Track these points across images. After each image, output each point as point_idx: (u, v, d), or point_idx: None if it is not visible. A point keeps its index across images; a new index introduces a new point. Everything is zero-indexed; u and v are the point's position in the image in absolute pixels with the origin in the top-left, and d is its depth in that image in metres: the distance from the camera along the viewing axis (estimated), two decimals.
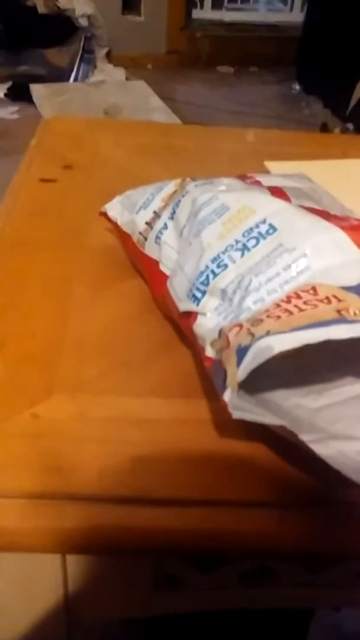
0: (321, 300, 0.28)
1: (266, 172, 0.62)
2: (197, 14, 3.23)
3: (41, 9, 2.48)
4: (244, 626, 0.71)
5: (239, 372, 0.27)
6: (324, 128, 2.45)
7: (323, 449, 0.29)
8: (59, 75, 2.50)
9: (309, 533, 0.32)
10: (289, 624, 0.73)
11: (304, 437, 0.29)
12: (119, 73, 2.70)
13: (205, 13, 3.25)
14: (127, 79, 2.68)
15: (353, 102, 2.26)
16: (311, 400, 0.35)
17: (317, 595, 0.40)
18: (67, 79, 2.53)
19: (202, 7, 3.24)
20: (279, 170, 0.61)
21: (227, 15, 3.28)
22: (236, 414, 0.27)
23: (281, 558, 0.36)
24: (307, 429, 0.31)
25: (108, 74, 2.65)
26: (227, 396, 0.27)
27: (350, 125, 2.36)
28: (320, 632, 0.73)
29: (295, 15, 3.27)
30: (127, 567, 0.38)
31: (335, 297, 0.28)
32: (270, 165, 0.64)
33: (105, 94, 2.28)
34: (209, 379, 0.32)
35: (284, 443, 0.32)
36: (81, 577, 0.37)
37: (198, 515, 0.31)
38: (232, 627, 0.71)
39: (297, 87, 2.99)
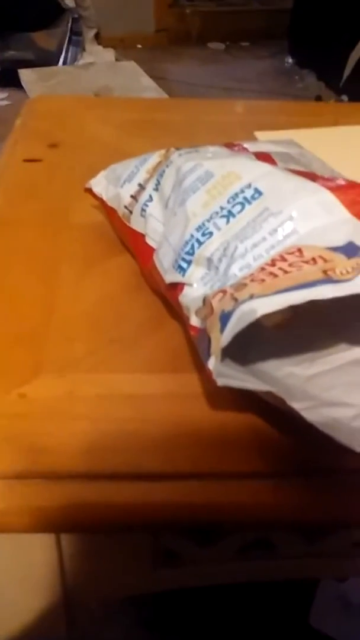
0: (307, 262, 0.27)
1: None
2: None
3: None
4: (248, 600, 0.72)
5: (222, 338, 0.26)
6: (319, 100, 2.42)
7: (315, 416, 0.29)
8: (47, 59, 2.47)
9: (305, 502, 0.31)
10: (293, 596, 0.73)
11: (296, 405, 0.28)
12: (109, 54, 2.66)
13: None
14: (116, 59, 2.64)
15: (347, 73, 2.23)
16: (304, 369, 0.34)
17: (316, 566, 0.40)
18: (56, 63, 2.50)
19: None
20: (269, 139, 0.60)
21: None
22: (221, 381, 0.26)
23: (278, 528, 0.36)
24: (300, 397, 0.30)
25: (97, 55, 2.61)
26: (211, 364, 0.27)
27: (344, 97, 2.33)
28: (324, 603, 0.73)
29: None
30: (125, 544, 0.37)
31: (321, 257, 0.27)
32: (260, 135, 0.63)
33: (95, 76, 2.25)
34: (198, 352, 0.31)
35: (276, 413, 0.31)
36: (77, 557, 0.37)
37: (192, 488, 0.31)
38: (236, 602, 0.72)
39: (290, 60, 2.95)
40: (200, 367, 0.35)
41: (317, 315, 0.35)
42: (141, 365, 0.37)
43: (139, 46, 3.00)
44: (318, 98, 2.46)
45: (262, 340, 0.33)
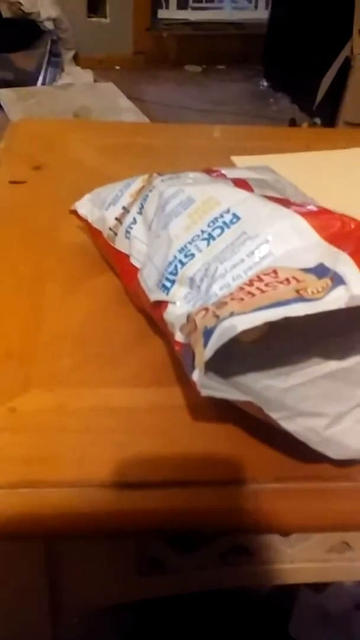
0: (281, 282, 0.29)
1: (233, 166, 0.64)
2: (162, 13, 3.24)
3: (5, 13, 2.46)
4: (229, 609, 0.73)
5: (205, 352, 0.28)
6: (292, 123, 2.48)
7: (291, 425, 0.31)
8: (26, 79, 2.49)
9: (283, 508, 0.33)
10: (273, 607, 0.74)
11: (274, 415, 0.30)
12: (87, 75, 2.69)
13: (170, 13, 3.26)
14: (95, 80, 2.68)
15: (319, 97, 2.29)
16: (280, 382, 0.36)
17: (292, 571, 0.42)
18: (35, 83, 2.52)
19: (167, 6, 3.25)
20: (245, 165, 0.63)
21: (192, 15, 3.30)
22: (204, 392, 0.28)
23: (257, 533, 0.38)
24: (276, 408, 0.32)
25: (76, 76, 2.64)
26: (196, 376, 0.29)
27: (317, 120, 2.39)
28: (303, 612, 0.75)
29: (260, 13, 3.30)
30: (110, 552, 0.39)
31: (294, 278, 0.29)
32: (236, 159, 0.66)
33: (74, 97, 2.28)
34: (181, 367, 0.33)
35: (255, 424, 0.33)
36: (64, 565, 0.38)
37: (176, 496, 0.33)
38: (216, 610, 0.73)
39: (265, 83, 3.02)
40: (183, 380, 0.37)
41: (291, 332, 0.37)
42: (127, 379, 0.39)
43: (117, 67, 3.05)
44: (292, 121, 2.52)
45: (241, 355, 0.35)
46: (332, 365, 0.38)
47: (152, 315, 0.38)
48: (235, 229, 0.34)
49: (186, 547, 0.39)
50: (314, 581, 0.44)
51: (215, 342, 0.28)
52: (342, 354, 0.38)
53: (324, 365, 0.38)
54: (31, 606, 0.41)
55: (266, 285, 0.29)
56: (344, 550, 0.41)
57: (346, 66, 2.15)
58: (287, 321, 0.29)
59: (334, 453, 0.31)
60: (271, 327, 0.32)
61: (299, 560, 0.41)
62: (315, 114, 2.42)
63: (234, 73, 3.15)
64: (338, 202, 0.39)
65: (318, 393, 0.36)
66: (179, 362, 0.35)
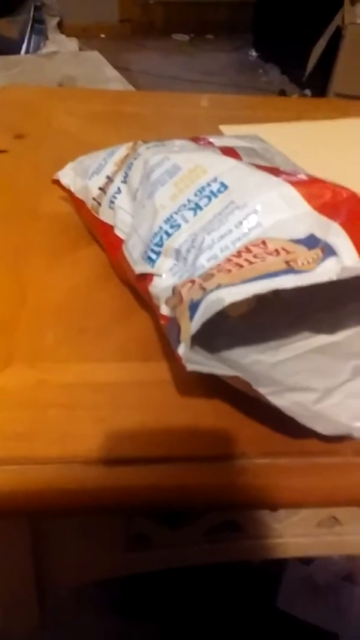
0: (270, 253, 0.28)
1: (220, 135, 0.62)
2: None
3: None
4: (217, 584, 0.73)
5: (191, 326, 0.27)
6: (282, 94, 2.44)
7: (280, 401, 0.30)
8: (9, 47, 2.42)
9: (271, 483, 0.33)
10: (261, 579, 0.75)
11: (262, 390, 0.30)
12: (72, 43, 2.63)
13: None
14: (80, 49, 2.61)
15: (309, 68, 2.26)
16: (269, 356, 0.36)
17: (281, 546, 0.42)
18: (19, 51, 2.45)
19: None
20: (234, 134, 0.61)
21: None
22: (190, 367, 0.28)
23: (246, 508, 0.37)
24: (265, 383, 0.32)
25: (60, 44, 2.57)
26: (181, 350, 0.28)
27: (307, 92, 2.36)
28: (291, 584, 0.76)
29: None
30: (97, 529, 0.38)
31: (284, 249, 0.28)
32: (224, 129, 0.64)
33: (59, 65, 2.22)
34: (167, 341, 0.32)
35: (242, 399, 0.33)
36: (50, 542, 0.38)
37: (163, 472, 0.32)
38: (205, 582, 0.74)
39: (254, 54, 2.96)
40: (169, 355, 0.36)
41: (280, 305, 0.36)
42: (112, 354, 0.38)
43: (103, 36, 2.97)
44: (282, 92, 2.48)
45: (228, 329, 0.35)
46: (321, 339, 0.38)
47: (137, 288, 0.37)
48: (222, 198, 0.33)
49: (174, 523, 0.39)
50: (302, 555, 0.44)
51: (201, 315, 0.27)
52: (331, 328, 0.38)
53: (312, 339, 0.37)
54: (17, 582, 0.40)
55: (255, 256, 0.28)
56: (333, 525, 0.41)
57: (337, 36, 2.11)
58: (276, 294, 0.28)
59: (323, 428, 0.31)
60: (259, 301, 0.31)
61: (287, 535, 0.41)
62: (305, 85, 2.38)
63: (222, 42, 3.09)
64: (328, 172, 0.37)
65: (307, 368, 0.35)
66: (164, 336, 0.34)
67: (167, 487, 0.32)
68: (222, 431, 0.34)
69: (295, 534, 0.41)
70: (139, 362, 0.37)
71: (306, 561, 0.80)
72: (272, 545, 0.43)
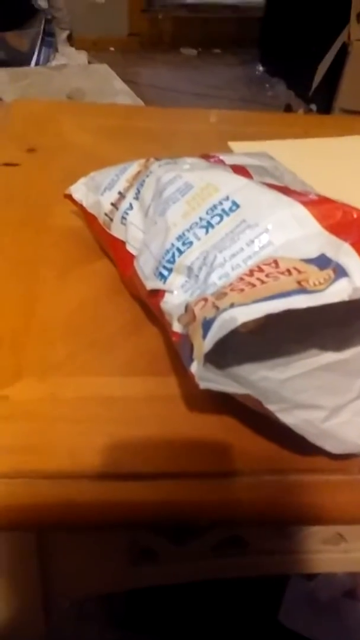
0: (282, 273, 0.28)
1: (230, 152, 0.63)
2: None
3: None
4: (219, 598, 0.73)
5: (204, 344, 0.27)
6: (288, 109, 2.46)
7: (289, 418, 0.30)
8: (20, 60, 2.45)
9: (278, 500, 0.33)
10: (263, 594, 0.75)
11: (271, 407, 0.30)
12: (81, 56, 2.65)
13: None
14: (89, 62, 2.64)
15: (316, 83, 2.27)
16: (277, 373, 0.36)
17: (287, 562, 0.42)
18: (29, 63, 2.48)
19: None
20: (243, 150, 0.62)
21: None
22: (203, 385, 0.28)
23: (252, 525, 0.37)
24: (273, 400, 0.32)
25: (70, 57, 2.60)
26: (194, 368, 0.28)
27: (313, 106, 2.37)
28: (293, 600, 0.75)
29: None
30: (103, 543, 0.38)
31: (295, 269, 0.29)
32: (233, 145, 0.65)
33: (68, 78, 2.24)
34: (177, 356, 0.33)
35: (250, 415, 0.33)
36: (57, 556, 0.38)
37: (171, 487, 0.32)
38: (207, 597, 0.73)
39: (261, 68, 2.99)
40: (178, 370, 0.36)
41: (288, 322, 0.36)
42: (121, 368, 0.38)
43: (112, 49, 3.00)
44: (288, 106, 2.50)
45: (237, 345, 0.35)
46: (329, 356, 0.38)
47: (148, 303, 0.38)
48: (234, 217, 0.33)
49: (179, 538, 0.39)
50: (307, 572, 0.44)
51: (214, 334, 0.27)
52: (338, 346, 0.38)
53: (320, 356, 0.38)
54: (24, 595, 0.40)
55: (267, 275, 0.28)
56: (338, 542, 0.41)
57: (343, 52, 2.13)
58: (284, 312, 0.28)
59: (332, 447, 0.31)
60: (267, 317, 0.31)
61: (293, 551, 0.41)
62: (311, 100, 2.40)
63: (229, 57, 3.12)
64: (336, 190, 0.38)
65: (315, 385, 0.36)
66: (174, 351, 0.34)
67: (174, 502, 0.32)
68: (231, 447, 0.34)
69: (300, 551, 0.41)
70: (147, 377, 0.38)
71: (309, 576, 0.79)
72: (277, 562, 0.43)
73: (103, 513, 0.32)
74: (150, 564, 0.40)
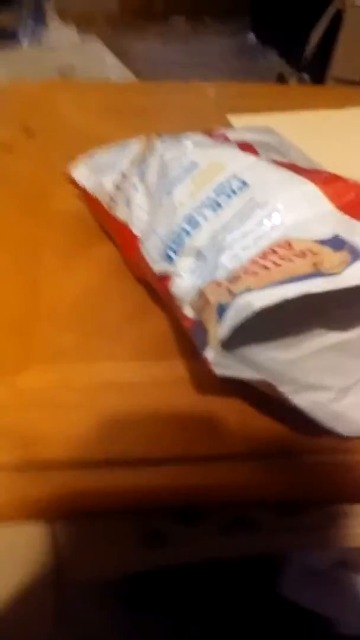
0: (297, 255, 0.28)
1: (229, 125, 0.62)
2: None
3: None
4: (218, 570, 0.74)
5: (220, 330, 0.27)
6: (280, 78, 2.41)
7: (299, 400, 0.30)
8: (8, 37, 2.38)
9: (287, 481, 0.33)
10: (261, 567, 0.76)
11: (283, 389, 0.29)
12: (71, 31, 2.59)
13: None
14: (79, 37, 2.58)
15: (308, 51, 2.23)
16: (283, 353, 0.36)
17: (292, 539, 0.42)
18: (17, 40, 2.42)
19: None
20: (242, 124, 0.61)
21: None
22: (219, 371, 0.27)
23: (260, 508, 0.37)
24: (280, 381, 0.31)
25: (59, 33, 2.54)
26: (210, 354, 0.28)
27: (306, 76, 2.33)
28: (291, 572, 0.76)
29: None
30: (112, 527, 0.38)
31: (310, 250, 0.28)
32: (233, 118, 0.63)
33: (58, 54, 2.19)
34: (183, 340, 0.32)
35: (258, 397, 0.32)
36: (70, 542, 0.38)
37: (177, 472, 0.32)
38: (206, 572, 0.74)
39: (252, 37, 2.93)
40: (187, 355, 0.36)
41: (294, 302, 0.36)
42: (128, 353, 0.38)
43: (101, 22, 2.93)
44: (280, 76, 2.45)
45: (242, 325, 0.34)
46: (335, 337, 0.37)
47: (155, 287, 0.37)
48: (243, 196, 0.33)
49: (188, 520, 0.39)
50: (316, 549, 0.44)
51: (231, 320, 0.27)
52: (345, 325, 0.37)
53: (326, 337, 0.37)
54: (34, 581, 0.40)
55: (281, 258, 0.28)
56: (344, 519, 0.41)
57: (337, 19, 2.09)
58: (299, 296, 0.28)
59: (342, 429, 0.31)
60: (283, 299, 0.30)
61: (300, 528, 0.41)
62: (304, 69, 2.36)
63: (220, 26, 3.05)
64: (341, 166, 0.37)
65: (322, 366, 0.35)
66: (181, 335, 0.34)
67: (184, 487, 0.32)
68: (239, 429, 0.34)
69: (307, 528, 0.42)
70: (155, 361, 0.37)
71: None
72: (285, 540, 0.43)
73: (114, 500, 0.32)
74: (159, 546, 0.40)
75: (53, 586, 0.41)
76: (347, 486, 0.34)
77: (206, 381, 0.34)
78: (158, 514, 0.38)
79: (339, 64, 2.14)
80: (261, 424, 0.33)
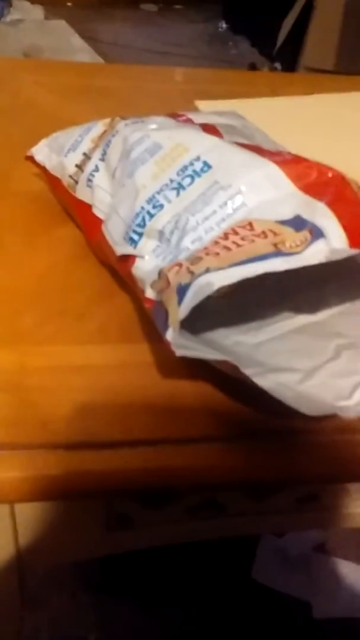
0: (258, 235, 0.28)
1: (197, 111, 0.61)
2: None
3: None
4: (192, 558, 0.74)
5: (180, 310, 0.27)
6: (252, 67, 2.42)
7: (264, 382, 0.30)
8: None
9: (253, 463, 0.33)
10: (235, 552, 0.77)
11: (246, 371, 0.30)
12: (37, 11, 2.54)
13: None
14: (45, 17, 2.53)
15: (280, 41, 2.23)
16: (250, 337, 0.36)
17: (262, 522, 0.42)
18: None
19: None
20: (210, 109, 0.60)
21: None
22: (179, 352, 0.27)
23: (227, 489, 0.38)
24: (248, 364, 0.31)
25: (25, 12, 2.49)
26: (170, 335, 0.27)
27: (278, 65, 2.34)
28: (265, 557, 0.77)
29: None
30: (78, 510, 0.38)
31: (271, 231, 0.28)
32: (200, 104, 0.63)
33: (24, 34, 2.15)
34: (149, 323, 0.32)
35: (224, 380, 0.32)
36: (31, 525, 0.38)
37: (146, 455, 0.32)
38: (180, 556, 0.74)
39: (224, 25, 2.92)
40: (151, 338, 0.36)
41: (261, 285, 0.36)
42: (92, 336, 0.37)
43: (69, 4, 2.88)
44: (252, 65, 2.46)
45: (209, 310, 0.34)
46: (302, 319, 0.38)
47: (117, 269, 0.37)
48: (206, 178, 0.32)
49: (155, 503, 0.39)
50: (282, 530, 0.44)
51: (190, 300, 0.26)
52: (312, 308, 0.38)
53: (294, 319, 0.37)
54: None
55: (242, 238, 0.28)
56: (312, 501, 0.41)
57: (308, 9, 2.09)
58: (259, 275, 0.28)
59: (308, 409, 0.31)
60: (241, 281, 0.30)
61: (267, 511, 0.41)
62: (275, 58, 2.36)
63: (191, 13, 3.03)
64: (307, 150, 0.37)
65: (289, 348, 0.35)
66: (147, 317, 0.33)
67: (150, 470, 0.32)
68: (205, 412, 0.34)
69: (275, 511, 0.42)
70: (119, 344, 0.37)
71: (279, 533, 0.82)
72: (252, 522, 0.43)
73: (79, 483, 0.32)
74: (126, 530, 0.40)
75: (16, 570, 0.41)
76: (314, 467, 0.34)
77: (172, 364, 0.34)
78: (124, 497, 0.38)
79: (310, 53, 2.15)
80: (227, 406, 0.33)
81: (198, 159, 0.33)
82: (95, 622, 0.73)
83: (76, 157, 0.41)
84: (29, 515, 0.37)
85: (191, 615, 0.75)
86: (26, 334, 0.37)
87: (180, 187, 0.33)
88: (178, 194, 0.33)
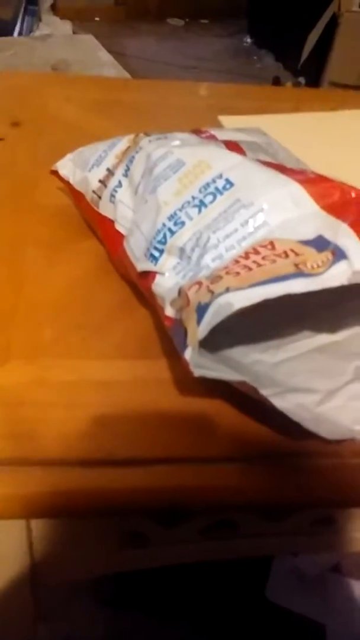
0: (279, 255, 0.28)
1: (220, 126, 0.61)
2: None
3: None
4: (207, 575, 0.74)
5: (199, 330, 0.26)
6: (276, 82, 2.42)
7: (282, 402, 0.30)
8: (2, 29, 2.37)
9: (270, 485, 0.33)
10: (250, 572, 0.76)
11: (264, 392, 0.29)
12: (66, 26, 2.58)
13: None
14: (73, 32, 2.57)
15: (304, 55, 2.23)
16: (270, 356, 0.35)
17: (276, 544, 0.42)
18: (11, 33, 2.40)
19: None
20: (233, 125, 0.60)
21: None
22: (198, 372, 0.27)
23: (243, 510, 0.37)
24: (266, 384, 0.31)
25: (54, 27, 2.53)
26: (188, 354, 0.27)
27: (302, 79, 2.34)
28: (279, 577, 0.76)
29: None
30: (92, 527, 0.38)
31: (292, 251, 0.28)
32: (224, 119, 0.63)
33: (52, 49, 2.18)
34: (168, 339, 0.32)
35: (243, 399, 0.32)
36: (46, 541, 0.37)
37: (161, 473, 0.32)
38: (194, 575, 0.74)
39: (249, 40, 2.93)
40: (171, 355, 0.36)
41: (281, 304, 0.36)
42: (110, 351, 0.37)
43: (97, 19, 2.93)
44: (276, 79, 2.46)
45: (229, 328, 0.34)
46: (322, 338, 0.37)
47: (138, 285, 0.37)
48: (228, 195, 0.32)
49: (169, 521, 0.39)
50: (297, 552, 0.44)
51: (210, 320, 0.26)
52: (331, 327, 0.37)
53: (313, 338, 0.37)
54: (13, 577, 0.40)
55: (263, 258, 0.27)
56: (327, 524, 0.41)
57: (333, 24, 2.09)
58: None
59: (325, 432, 0.30)
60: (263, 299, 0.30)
61: (283, 533, 0.41)
62: (299, 73, 2.36)
63: (217, 28, 3.05)
64: (331, 168, 0.37)
65: (308, 368, 0.35)
66: (165, 334, 0.33)
67: (167, 488, 0.32)
68: (223, 431, 0.33)
69: (291, 533, 0.41)
70: (138, 360, 0.37)
71: (294, 552, 0.80)
72: (267, 544, 0.43)
73: (95, 500, 0.32)
74: (140, 548, 0.40)
75: (30, 585, 0.40)
76: (333, 490, 0.33)
77: (191, 382, 0.34)
78: (138, 515, 0.38)
79: (334, 68, 2.15)
80: (246, 426, 0.33)
81: (220, 176, 0.33)
82: (109, 636, 0.72)
83: (100, 173, 0.41)
84: (44, 531, 0.37)
85: (203, 633, 0.75)
86: (46, 347, 0.37)
87: (202, 205, 0.33)
88: (200, 211, 0.33)
